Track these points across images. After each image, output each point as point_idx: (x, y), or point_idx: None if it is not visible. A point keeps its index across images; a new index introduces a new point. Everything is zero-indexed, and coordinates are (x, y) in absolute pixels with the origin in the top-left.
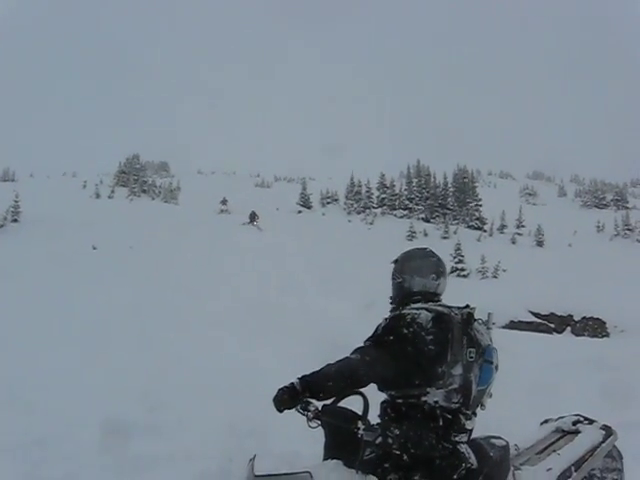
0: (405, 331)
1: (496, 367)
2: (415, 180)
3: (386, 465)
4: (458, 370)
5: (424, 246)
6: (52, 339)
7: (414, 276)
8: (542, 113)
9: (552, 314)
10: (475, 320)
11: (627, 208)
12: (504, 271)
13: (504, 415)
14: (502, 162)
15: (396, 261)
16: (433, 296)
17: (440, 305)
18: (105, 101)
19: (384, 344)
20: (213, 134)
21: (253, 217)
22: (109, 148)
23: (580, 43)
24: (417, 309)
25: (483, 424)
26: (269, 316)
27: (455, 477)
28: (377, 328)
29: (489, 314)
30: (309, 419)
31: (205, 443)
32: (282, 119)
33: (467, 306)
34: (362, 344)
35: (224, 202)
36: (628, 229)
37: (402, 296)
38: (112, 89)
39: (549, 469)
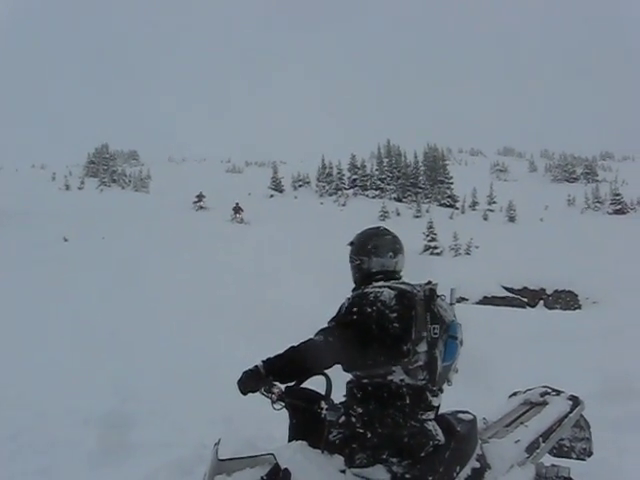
0: (369, 310)
1: (461, 342)
2: (386, 160)
3: (353, 445)
4: (423, 347)
5: (377, 225)
6: (23, 333)
7: (371, 256)
8: (511, 89)
9: (525, 288)
10: (438, 296)
11: (597, 181)
12: (477, 248)
13: (473, 390)
14: (472, 139)
15: (352, 243)
16: (394, 274)
17: (402, 283)
18: (75, 90)
19: (348, 324)
20: (183, 121)
21: (237, 210)
22: (78, 139)
23: (552, 19)
24: (380, 287)
25: (454, 399)
26: (243, 304)
27: (423, 454)
28: (340, 308)
29: (452, 290)
30: (273, 401)
31: (179, 431)
32: (253, 104)
33: (429, 282)
34: (326, 325)
35: (200, 198)
36: (598, 202)
37: (362, 277)
38: (83, 78)
39: (517, 441)
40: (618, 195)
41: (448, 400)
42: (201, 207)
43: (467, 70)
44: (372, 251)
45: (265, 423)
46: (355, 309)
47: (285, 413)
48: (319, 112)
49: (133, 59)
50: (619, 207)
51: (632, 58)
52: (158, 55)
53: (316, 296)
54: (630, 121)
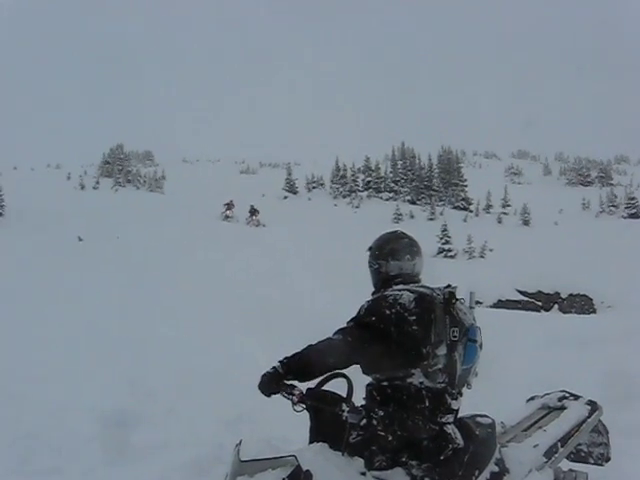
0: (388, 312)
1: (480, 346)
2: (400, 162)
3: (373, 447)
4: (442, 350)
5: (394, 229)
6: (37, 332)
7: (389, 260)
8: (526, 92)
9: (539, 292)
10: (457, 299)
11: (611, 185)
12: (491, 251)
13: (492, 393)
14: (487, 142)
15: (370, 248)
16: (413, 277)
17: (421, 286)
18: (88, 91)
19: (367, 325)
20: (198, 122)
21: (253, 212)
22: (93, 139)
23: (570, 20)
24: (399, 290)
25: (472, 403)
26: (258, 305)
27: (442, 457)
28: (360, 309)
29: (471, 293)
30: (294, 403)
31: (196, 431)
32: (268, 106)
33: (449, 286)
34: (344, 325)
35: (229, 206)
36: (613, 206)
37: (382, 282)
38: (96, 79)
39: (536, 445)
40: (633, 199)
41: (465, 403)
42: (227, 217)
43: (484, 72)
44: (390, 255)
45: (280, 424)
46: (374, 311)
47: (301, 415)
48: (333, 113)
49: (145, 61)
50: (634, 211)
51: None
52: (170, 56)
53: (329, 298)
54: None
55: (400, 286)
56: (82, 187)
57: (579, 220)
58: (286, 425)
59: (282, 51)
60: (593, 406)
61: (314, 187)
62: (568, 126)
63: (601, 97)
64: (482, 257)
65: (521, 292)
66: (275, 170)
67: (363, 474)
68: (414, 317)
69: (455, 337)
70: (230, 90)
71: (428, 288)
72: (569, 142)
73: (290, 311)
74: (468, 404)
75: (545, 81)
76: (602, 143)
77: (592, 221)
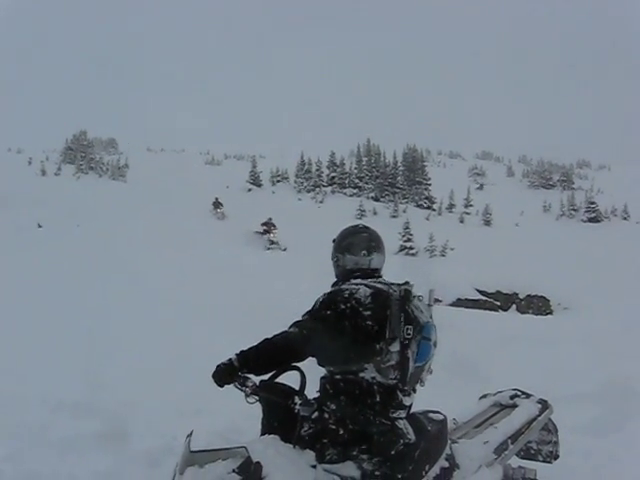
0: (343, 306)
1: (434, 344)
2: (365, 159)
3: (324, 440)
4: (395, 347)
5: (358, 223)
6: None
7: (346, 254)
8: (491, 93)
9: (498, 292)
10: (415, 297)
11: (573, 189)
12: (452, 250)
13: (445, 390)
14: (452, 142)
15: (334, 240)
16: (372, 272)
17: (379, 282)
18: (54, 76)
19: (322, 319)
20: (164, 111)
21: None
22: (56, 124)
23: (531, 22)
24: (356, 285)
25: (425, 399)
26: (216, 297)
27: (393, 452)
28: (315, 302)
29: (430, 291)
30: (247, 395)
31: (150, 423)
32: (234, 98)
33: (406, 283)
34: (300, 318)
35: (218, 205)
36: (573, 209)
37: (341, 274)
38: (62, 64)
39: (486, 442)
40: (593, 204)
41: (420, 400)
42: (222, 215)
43: (449, 73)
44: (346, 249)
45: (235, 416)
46: (330, 305)
47: (255, 407)
48: (300, 109)
49: (115, 48)
50: (594, 215)
51: (614, 68)
52: (139, 45)
53: (289, 288)
54: (608, 130)
55: (358, 280)
56: (43, 173)
57: (540, 222)
58: (241, 418)
59: (259, 46)
60: (544, 405)
61: (278, 181)
62: (533, 129)
63: (566, 102)
64: (443, 256)
65: (480, 292)
66: (240, 162)
67: (314, 467)
68: (369, 312)
69: (409, 335)
70: (200, 81)
71: (385, 284)
72: (533, 145)
73: (248, 301)
74: (422, 400)
75: (512, 84)
76: (565, 147)
77: (552, 224)
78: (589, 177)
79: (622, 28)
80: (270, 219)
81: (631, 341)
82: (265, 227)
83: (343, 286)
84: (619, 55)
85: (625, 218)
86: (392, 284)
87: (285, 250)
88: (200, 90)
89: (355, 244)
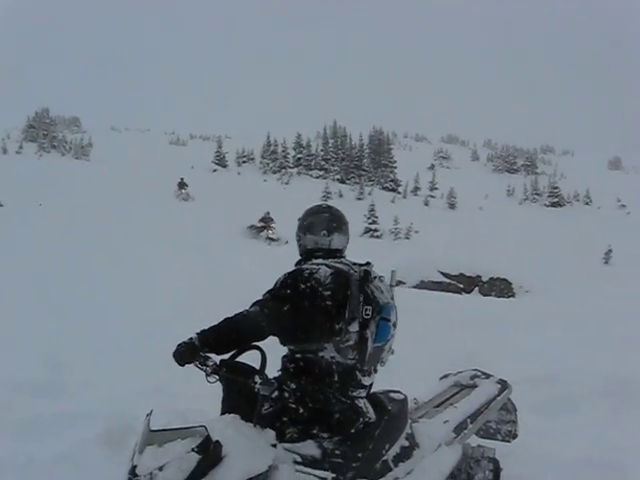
0: (302, 286)
1: (394, 325)
2: (331, 141)
3: (284, 419)
4: (355, 327)
5: (322, 202)
6: None
7: (307, 234)
8: (458, 78)
9: (461, 274)
10: (375, 277)
11: (536, 174)
12: (416, 232)
13: (407, 370)
14: (418, 125)
15: (298, 219)
16: (333, 252)
17: (340, 262)
18: (17, 53)
19: (282, 298)
20: (129, 90)
21: (182, 185)
22: (18, 101)
23: (499, 11)
24: (317, 265)
25: (387, 379)
26: (179, 277)
27: (353, 431)
28: (276, 282)
29: (392, 272)
30: (207, 374)
31: (111, 403)
32: (202, 79)
33: (367, 263)
34: (261, 297)
35: (182, 186)
36: (537, 194)
37: (304, 254)
38: (25, 39)
39: (446, 421)
40: (556, 188)
41: (381, 380)
42: (187, 196)
43: (416, 55)
44: (307, 229)
45: (198, 396)
46: (290, 284)
47: (218, 387)
48: (266, 89)
49: (79, 23)
50: (556, 200)
51: (582, 55)
52: (105, 20)
53: (253, 268)
54: (571, 116)
55: (319, 260)
56: (4, 151)
57: (503, 206)
58: (204, 397)
59: (229, 26)
60: (503, 385)
61: (244, 161)
62: (498, 114)
63: (531, 87)
64: (407, 238)
65: (444, 274)
66: (205, 143)
67: (274, 446)
68: (329, 292)
69: (368, 315)
70: (168, 59)
71: (346, 264)
72: (498, 129)
73: (212, 280)
74: (384, 380)
75: (480, 68)
76: (530, 132)
77: (516, 208)
78: (552, 162)
79: (589, 13)
80: (268, 213)
81: (588, 324)
82: (263, 223)
83: (304, 266)
84: (587, 43)
85: (587, 203)
86: (353, 264)
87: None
88: (167, 69)
89: (316, 224)
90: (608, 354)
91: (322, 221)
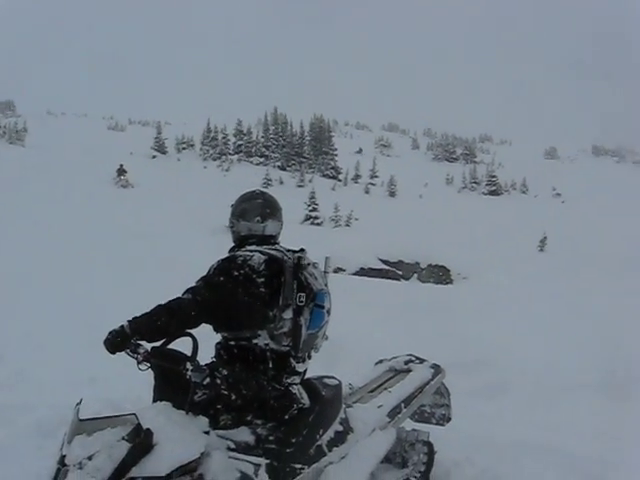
0: (236, 273)
1: (328, 311)
2: (272, 128)
3: (218, 406)
4: (288, 314)
5: (255, 188)
6: None
7: (240, 220)
8: (399, 66)
9: (400, 261)
10: (309, 264)
11: (475, 162)
12: (356, 220)
13: (343, 356)
14: (359, 113)
15: (231, 206)
16: (267, 239)
17: (274, 249)
18: None
19: (215, 285)
20: (67, 74)
21: (121, 172)
22: None
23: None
24: (251, 251)
25: (322, 365)
26: (120, 264)
27: (287, 417)
28: (210, 269)
29: (326, 258)
30: (139, 362)
31: (45, 393)
32: (143, 63)
33: (300, 250)
34: (194, 284)
35: (121, 172)
36: (475, 182)
37: (237, 240)
38: None
39: (380, 406)
40: (494, 177)
41: (317, 366)
42: (126, 182)
43: (360, 44)
44: (240, 215)
45: (134, 385)
46: (223, 271)
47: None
48: (207, 75)
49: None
50: (494, 188)
51: (523, 45)
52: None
53: (197, 253)
54: (509, 106)
55: (253, 247)
56: None
57: (443, 194)
58: (141, 385)
59: (172, 10)
60: (436, 369)
61: (184, 148)
62: (438, 103)
63: (470, 77)
64: (348, 226)
65: (383, 261)
66: (145, 128)
67: (207, 432)
68: (262, 279)
69: (302, 302)
70: (107, 43)
71: (280, 251)
72: (438, 118)
73: (155, 266)
74: (319, 366)
75: (420, 58)
76: (469, 122)
77: (454, 196)
78: (491, 151)
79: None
80: None
81: (523, 309)
82: None
83: (238, 252)
84: (528, 35)
85: (524, 192)
86: (287, 251)
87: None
88: (107, 53)
89: (249, 210)
90: (543, 339)
91: (255, 207)
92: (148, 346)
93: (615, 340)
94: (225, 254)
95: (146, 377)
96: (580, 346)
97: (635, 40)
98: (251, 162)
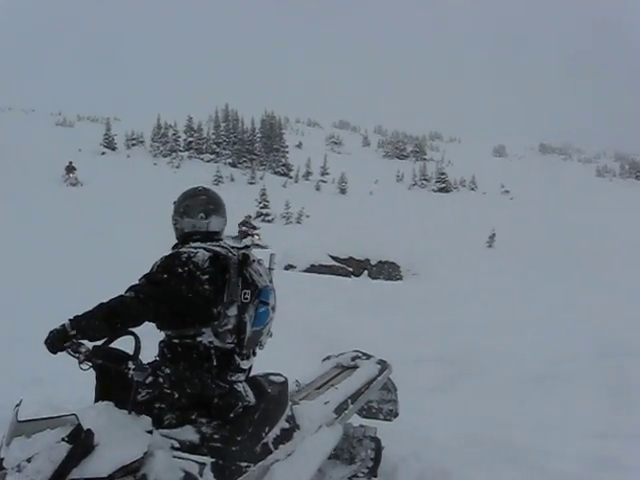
0: (180, 270)
1: (273, 308)
2: (223, 124)
3: (162, 405)
4: (233, 311)
5: (198, 185)
6: None
7: (184, 217)
8: (350, 62)
9: (351, 258)
10: (254, 261)
11: (425, 160)
12: (307, 217)
13: (291, 353)
14: (310, 110)
15: (174, 203)
16: (212, 235)
17: (219, 245)
18: None
19: (158, 282)
20: (13, 66)
21: (70, 169)
22: None
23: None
24: (195, 248)
25: (269, 362)
26: (71, 261)
27: (232, 415)
28: (153, 266)
29: (271, 255)
30: (80, 361)
31: None
32: (91, 56)
33: (246, 246)
34: (137, 281)
35: (70, 170)
36: (425, 179)
37: (181, 237)
38: None
39: (327, 402)
40: (443, 174)
41: (263, 363)
42: (75, 180)
43: (312, 41)
44: (184, 212)
45: (79, 385)
46: (167, 268)
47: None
48: (158, 70)
49: None
50: (444, 185)
51: (473, 44)
52: None
53: (145, 251)
54: (459, 105)
55: (197, 244)
56: None
57: (393, 191)
58: (85, 386)
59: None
60: (383, 365)
61: (134, 144)
62: (389, 100)
63: (421, 74)
64: (299, 223)
65: (333, 258)
66: (94, 124)
67: (150, 432)
68: (207, 276)
69: (246, 299)
70: (56, 35)
71: (224, 248)
72: (389, 116)
73: (102, 266)
74: (266, 363)
75: (373, 55)
76: (419, 120)
77: (405, 193)
78: (441, 149)
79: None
80: (249, 217)
81: (472, 306)
82: (245, 227)
83: (182, 249)
84: (479, 33)
85: (472, 189)
86: (232, 248)
87: None
88: (57, 46)
89: (192, 207)
90: (491, 334)
91: (199, 204)
92: (90, 345)
93: (560, 333)
94: (169, 251)
95: (91, 377)
96: (526, 340)
97: (582, 40)
98: (202, 159)
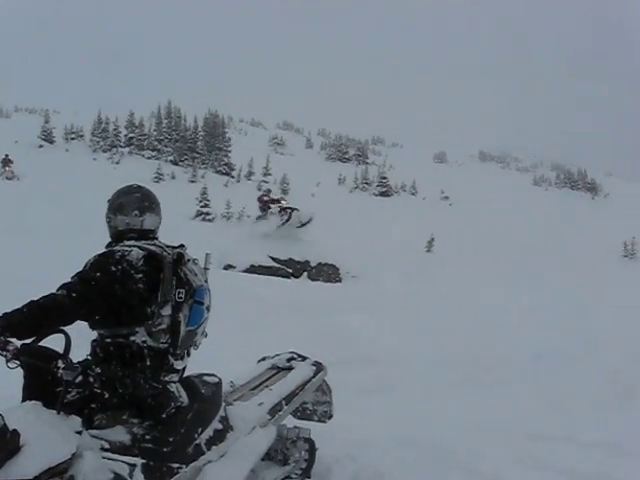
0: (113, 268)
1: (207, 308)
2: (165, 121)
3: (92, 405)
4: (167, 310)
5: (132, 183)
6: None
7: (117, 214)
8: (295, 64)
9: (291, 259)
10: (189, 260)
11: (367, 164)
12: (248, 217)
13: (225, 354)
14: (254, 110)
15: (108, 201)
16: (146, 233)
17: (153, 244)
18: None
19: (91, 281)
20: None
21: (7, 162)
22: None
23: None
24: (129, 247)
25: (202, 362)
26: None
27: (164, 415)
28: (86, 264)
29: (207, 254)
30: (8, 359)
31: None
32: (28, 46)
33: (180, 246)
34: (69, 279)
35: (7, 162)
36: (366, 183)
37: (115, 235)
38: None
39: (261, 403)
40: (385, 178)
41: (197, 363)
42: (11, 174)
43: (256, 40)
44: (118, 209)
45: (6, 384)
46: (100, 266)
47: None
48: (99, 63)
49: None
50: (385, 190)
51: (419, 49)
52: None
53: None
54: (401, 110)
55: (131, 242)
56: None
57: (334, 194)
58: (14, 385)
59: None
60: (318, 367)
61: (73, 138)
62: (333, 103)
63: (364, 79)
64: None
65: (273, 259)
66: (31, 116)
67: (79, 432)
68: (141, 275)
69: (181, 298)
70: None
71: (159, 247)
72: (332, 119)
73: (35, 261)
74: (199, 364)
75: (320, 59)
76: (362, 124)
77: (346, 195)
78: (382, 153)
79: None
80: (269, 191)
81: (410, 308)
82: (266, 199)
83: (115, 248)
84: (426, 37)
85: (413, 194)
86: (167, 247)
87: None
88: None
89: (126, 204)
90: (428, 337)
91: (133, 201)
92: (18, 343)
93: (495, 337)
94: (103, 249)
95: (19, 376)
96: (459, 344)
97: (534, 47)
98: (143, 155)
